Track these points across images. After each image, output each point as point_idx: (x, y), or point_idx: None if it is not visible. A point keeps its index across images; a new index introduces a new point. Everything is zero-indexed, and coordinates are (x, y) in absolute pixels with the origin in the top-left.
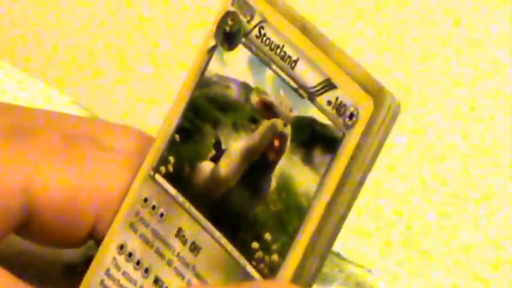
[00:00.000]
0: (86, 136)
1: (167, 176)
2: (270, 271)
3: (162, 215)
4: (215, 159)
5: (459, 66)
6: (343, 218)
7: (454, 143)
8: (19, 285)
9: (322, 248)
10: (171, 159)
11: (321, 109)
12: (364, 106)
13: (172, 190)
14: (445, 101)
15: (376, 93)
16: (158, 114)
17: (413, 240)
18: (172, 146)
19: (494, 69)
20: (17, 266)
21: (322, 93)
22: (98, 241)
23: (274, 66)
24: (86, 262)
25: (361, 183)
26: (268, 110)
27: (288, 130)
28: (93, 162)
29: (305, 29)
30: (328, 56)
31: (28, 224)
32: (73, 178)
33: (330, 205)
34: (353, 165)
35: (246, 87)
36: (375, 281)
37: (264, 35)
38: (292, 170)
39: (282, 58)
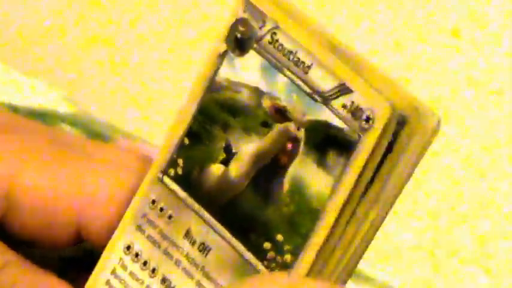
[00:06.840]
0: (75, 145)
1: (176, 179)
2: (283, 271)
3: (170, 216)
4: (225, 162)
5: None
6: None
7: None
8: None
9: (339, 250)
10: (180, 161)
11: (336, 113)
12: (380, 109)
13: (181, 192)
14: None
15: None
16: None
17: None
18: (181, 149)
19: None
20: None
21: (336, 97)
22: (93, 242)
23: (287, 72)
24: (82, 256)
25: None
26: (281, 114)
27: (301, 134)
28: (77, 166)
29: (318, 34)
30: (343, 60)
31: (6, 217)
32: (54, 179)
33: (345, 207)
34: (369, 167)
35: (257, 92)
36: None
37: (277, 41)
38: (306, 172)
39: (296, 63)
